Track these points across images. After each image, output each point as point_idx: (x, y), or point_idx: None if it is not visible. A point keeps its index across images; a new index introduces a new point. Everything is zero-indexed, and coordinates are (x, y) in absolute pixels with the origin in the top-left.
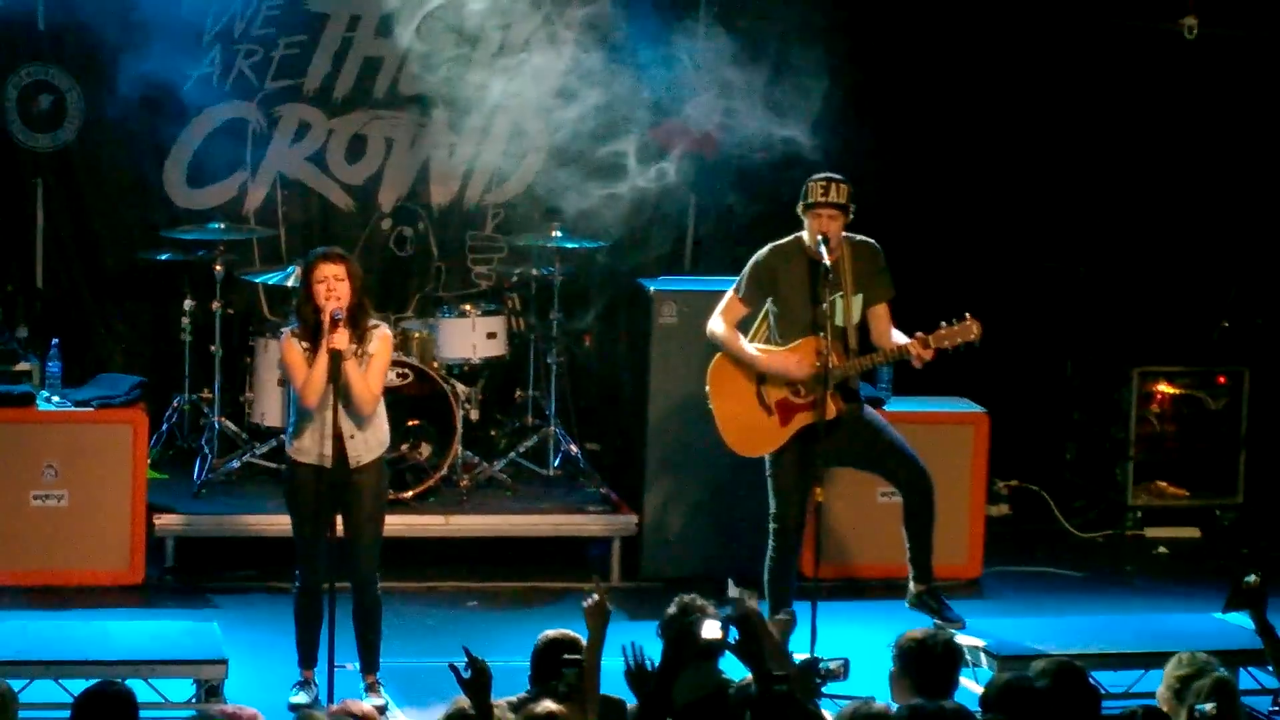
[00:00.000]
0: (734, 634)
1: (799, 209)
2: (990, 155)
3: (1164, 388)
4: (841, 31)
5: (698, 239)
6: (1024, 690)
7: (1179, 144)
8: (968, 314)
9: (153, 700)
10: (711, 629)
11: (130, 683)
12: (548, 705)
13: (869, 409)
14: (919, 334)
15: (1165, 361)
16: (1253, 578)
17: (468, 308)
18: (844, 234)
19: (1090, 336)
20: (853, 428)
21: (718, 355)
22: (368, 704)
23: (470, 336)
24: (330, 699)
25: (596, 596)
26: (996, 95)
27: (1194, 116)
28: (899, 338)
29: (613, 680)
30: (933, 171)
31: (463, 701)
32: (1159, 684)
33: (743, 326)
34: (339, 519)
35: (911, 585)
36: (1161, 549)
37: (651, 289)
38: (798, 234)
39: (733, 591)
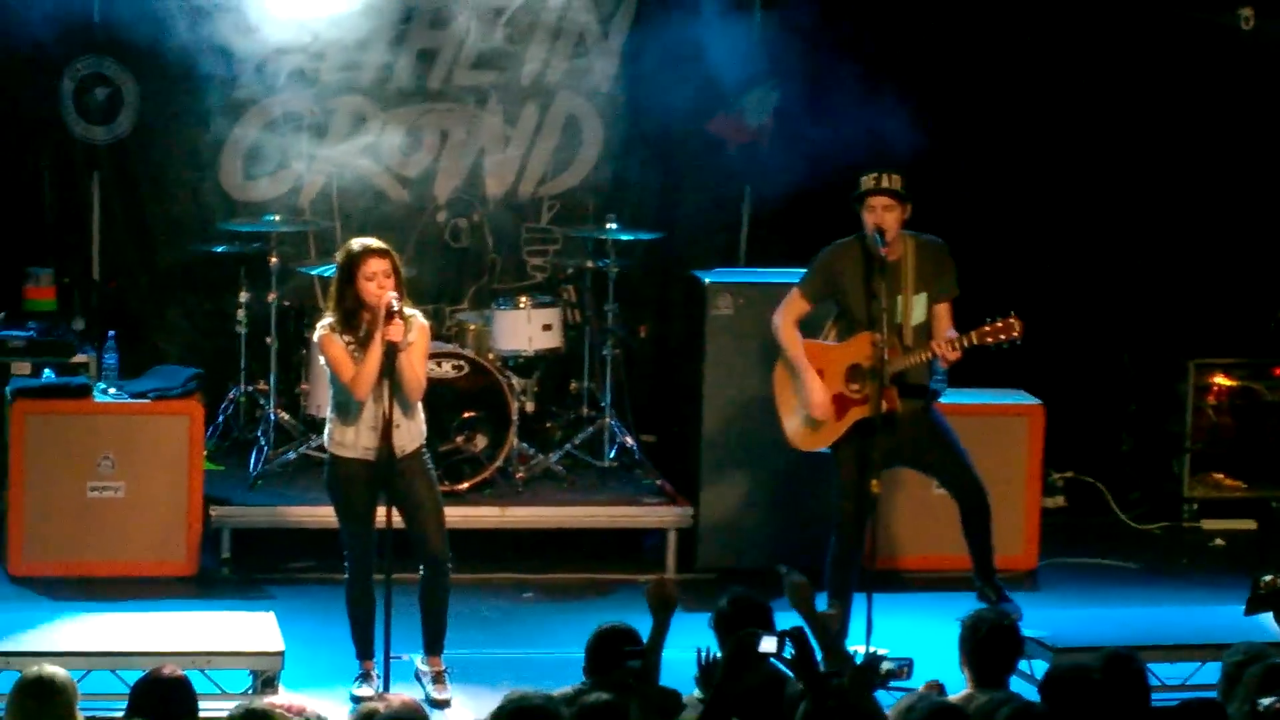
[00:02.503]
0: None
1: (853, 204)
2: (1047, 147)
3: (1220, 380)
4: (896, 24)
5: (753, 230)
6: (1078, 679)
7: (1236, 134)
8: (1012, 312)
9: (209, 691)
10: (769, 644)
11: (186, 674)
12: (601, 695)
13: (936, 412)
14: (950, 334)
15: (1221, 353)
16: (1269, 577)
17: (523, 300)
18: (910, 232)
19: (1146, 328)
20: (913, 426)
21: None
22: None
23: (525, 328)
24: (387, 690)
25: (661, 580)
26: (1053, 86)
27: (1250, 107)
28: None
29: (668, 671)
30: (989, 164)
31: (516, 693)
32: (1215, 676)
33: (814, 323)
34: (381, 510)
35: (975, 580)
36: (1218, 541)
37: (706, 281)
38: (861, 233)
39: (784, 572)
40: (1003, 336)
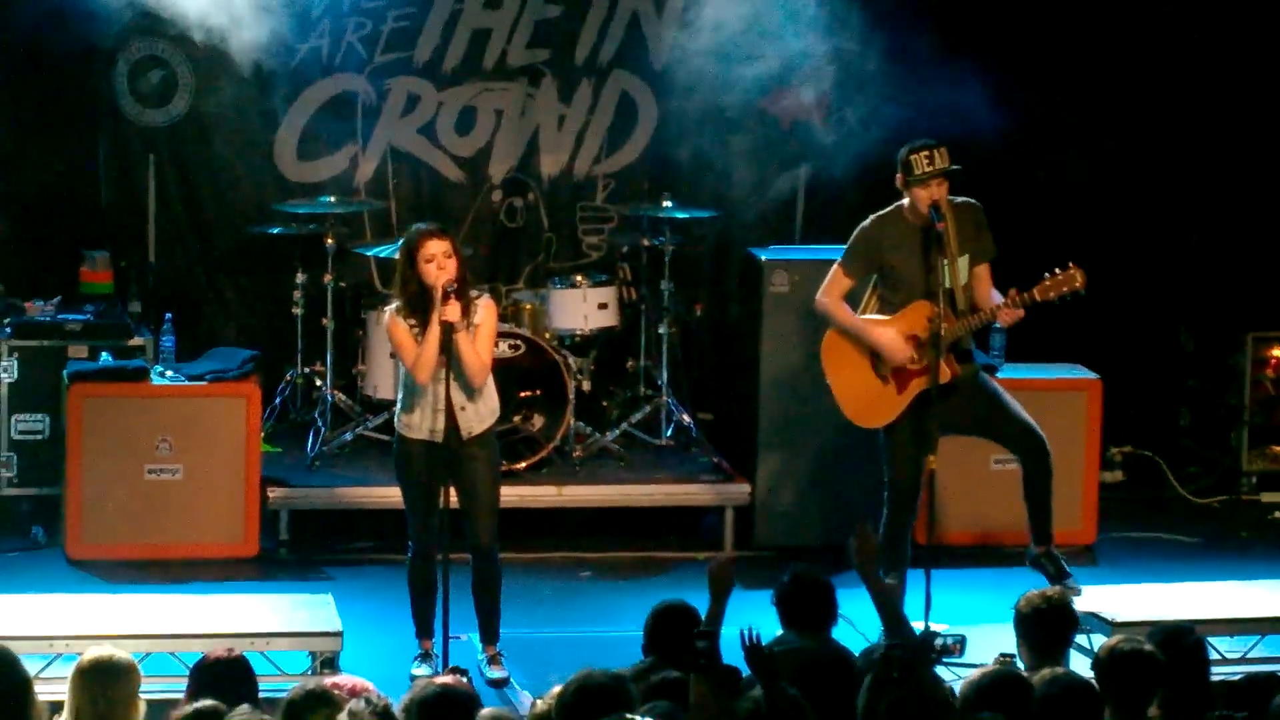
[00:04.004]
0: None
1: (900, 182)
2: (1103, 122)
3: (1278, 352)
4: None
5: (809, 207)
6: (1132, 655)
7: None
8: (1070, 263)
9: (269, 673)
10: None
11: (245, 655)
12: (670, 673)
13: (985, 375)
14: (1012, 291)
15: (1279, 326)
16: None
17: (579, 278)
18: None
19: (1204, 302)
20: (969, 392)
21: (829, 330)
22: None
23: (581, 307)
24: (446, 669)
25: (724, 558)
26: (1106, 61)
27: None
28: (996, 297)
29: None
30: (1043, 139)
31: (583, 672)
32: (1276, 649)
33: (853, 299)
34: (450, 489)
35: (1031, 547)
36: (1277, 514)
37: (762, 258)
38: (899, 203)
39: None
40: (1065, 289)
